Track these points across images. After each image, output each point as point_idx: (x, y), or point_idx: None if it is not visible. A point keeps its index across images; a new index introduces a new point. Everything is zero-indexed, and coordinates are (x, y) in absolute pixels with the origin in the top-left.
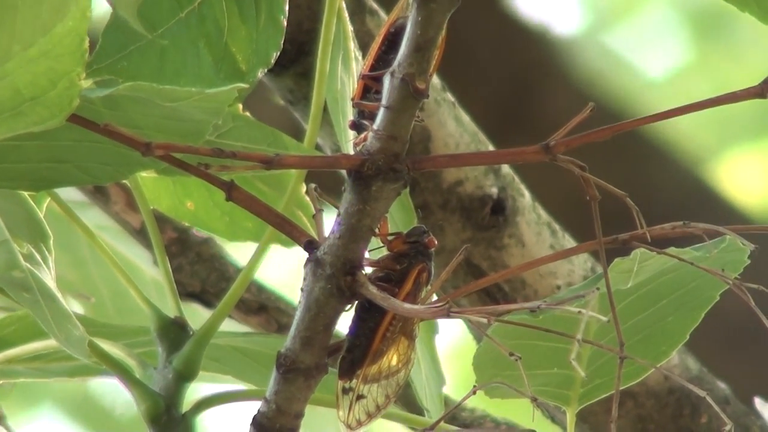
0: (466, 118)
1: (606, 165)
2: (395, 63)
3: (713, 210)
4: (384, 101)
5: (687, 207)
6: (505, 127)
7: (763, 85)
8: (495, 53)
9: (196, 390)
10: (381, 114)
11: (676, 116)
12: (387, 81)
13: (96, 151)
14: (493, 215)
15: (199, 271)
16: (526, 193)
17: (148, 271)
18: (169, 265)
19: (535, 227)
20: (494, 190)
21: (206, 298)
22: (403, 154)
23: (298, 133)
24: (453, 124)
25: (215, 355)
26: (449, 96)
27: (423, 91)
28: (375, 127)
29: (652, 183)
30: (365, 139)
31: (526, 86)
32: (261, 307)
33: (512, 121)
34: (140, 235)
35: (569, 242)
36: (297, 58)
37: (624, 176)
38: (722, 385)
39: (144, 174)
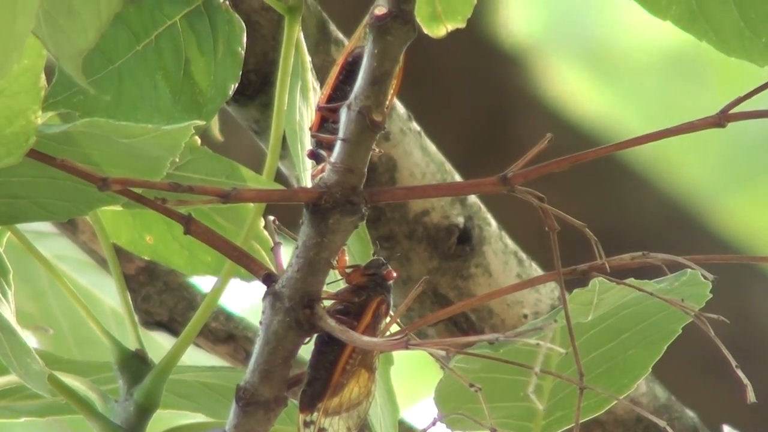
0: (432, 147)
1: (589, 198)
2: (352, 95)
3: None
4: (341, 134)
5: (671, 241)
6: (479, 154)
7: (720, 114)
8: (468, 79)
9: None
10: (338, 147)
11: (636, 145)
12: (344, 114)
13: (54, 187)
14: (459, 245)
15: (166, 300)
16: (493, 223)
17: (108, 301)
18: (129, 297)
19: (502, 256)
20: (460, 220)
21: (174, 327)
22: (361, 187)
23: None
24: (419, 154)
25: (183, 392)
26: (415, 125)
27: (380, 123)
28: (332, 159)
29: (639, 220)
30: (323, 171)
31: (500, 112)
32: (229, 336)
33: (486, 148)
34: (108, 264)
35: (536, 271)
36: (262, 88)
37: (607, 207)
38: (690, 413)
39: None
